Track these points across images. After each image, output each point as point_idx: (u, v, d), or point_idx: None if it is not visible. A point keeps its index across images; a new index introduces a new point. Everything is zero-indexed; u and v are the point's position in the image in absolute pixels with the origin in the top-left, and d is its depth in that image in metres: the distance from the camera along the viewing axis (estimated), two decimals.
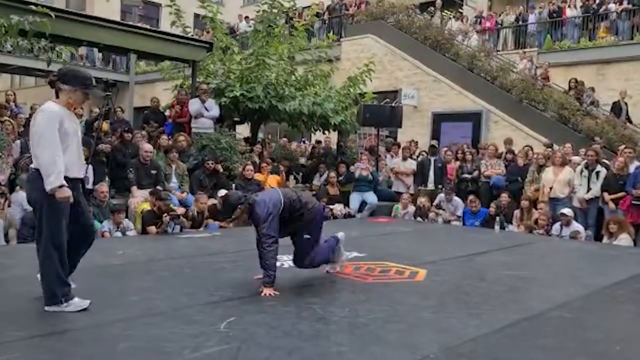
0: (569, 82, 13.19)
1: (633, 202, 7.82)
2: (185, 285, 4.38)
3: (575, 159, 9.11)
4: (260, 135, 12.18)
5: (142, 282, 4.46)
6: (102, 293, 4.04)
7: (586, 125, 11.75)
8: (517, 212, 8.76)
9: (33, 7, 6.32)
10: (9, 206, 6.46)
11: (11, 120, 8.10)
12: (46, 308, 3.49)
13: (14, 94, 10.55)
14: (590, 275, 5.45)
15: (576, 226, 7.97)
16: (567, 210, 8.01)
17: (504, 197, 8.90)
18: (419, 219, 9.47)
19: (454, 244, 7.11)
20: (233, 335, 3.20)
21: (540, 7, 15.88)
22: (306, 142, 14.13)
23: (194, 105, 9.46)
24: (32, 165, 3.57)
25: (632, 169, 8.20)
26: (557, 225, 8.09)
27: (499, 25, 16.23)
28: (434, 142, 11.86)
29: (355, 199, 10.03)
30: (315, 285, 4.56)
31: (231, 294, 4.10)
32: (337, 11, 18.58)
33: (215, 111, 9.54)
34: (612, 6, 14.30)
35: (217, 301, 3.91)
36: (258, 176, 9.32)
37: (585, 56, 13.93)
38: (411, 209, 9.71)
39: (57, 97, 3.67)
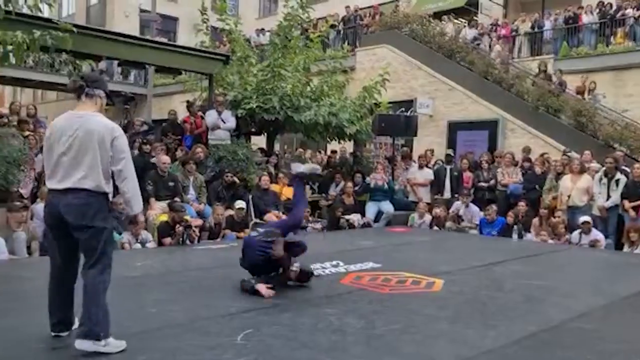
0: (582, 82, 13.04)
1: None
2: (202, 297, 4.42)
3: (594, 166, 9.01)
4: (277, 145, 12.27)
5: (160, 294, 4.51)
6: (121, 305, 4.10)
7: (605, 132, 11.60)
8: (535, 221, 8.68)
9: (56, 24, 6.47)
10: (31, 219, 6.59)
11: (33, 134, 8.28)
12: (78, 343, 3.04)
13: (35, 108, 10.78)
14: (610, 285, 5.38)
15: (596, 234, 7.86)
16: (586, 218, 7.92)
17: (522, 206, 8.83)
18: (435, 228, 9.43)
19: (471, 254, 7.05)
20: (250, 347, 3.22)
21: (556, 14, 15.77)
22: (321, 152, 14.16)
23: (210, 117, 9.57)
24: (77, 185, 3.09)
25: None
26: (576, 234, 8.00)
27: (514, 33, 16.14)
28: (450, 151, 11.81)
29: (371, 208, 10.03)
30: (332, 296, 4.56)
31: (248, 306, 4.13)
32: (352, 22, 18.67)
33: (231, 122, 9.63)
34: (629, 11, 14.15)
35: (234, 313, 3.94)
36: (274, 187, 9.38)
37: (603, 62, 13.78)
38: (427, 218, 9.68)
39: (80, 101, 3.32)
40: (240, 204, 8.31)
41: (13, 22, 6.23)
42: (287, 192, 9.40)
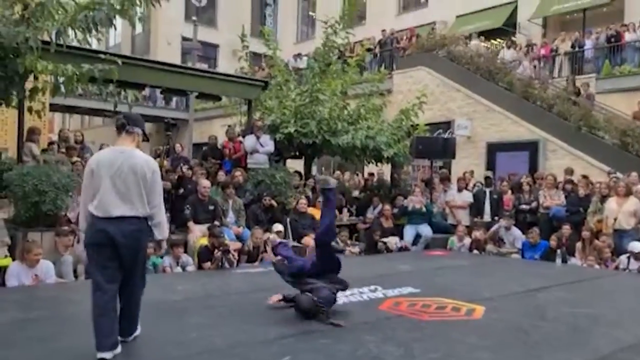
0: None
1: None
2: (241, 321, 4.46)
3: None
4: (314, 168, 12.35)
5: (200, 318, 4.58)
6: (162, 329, 4.19)
7: None
8: (579, 245, 8.42)
9: (102, 56, 6.78)
10: (77, 242, 6.82)
11: (80, 160, 8.62)
12: (131, 337, 3.78)
13: (82, 135, 11.22)
14: None
15: None
16: (636, 245, 7.62)
17: (566, 229, 8.58)
18: (475, 251, 9.26)
19: (512, 279, 6.88)
20: None
21: (597, 32, 15.47)
22: (359, 174, 14.18)
23: (249, 141, 9.75)
24: (129, 213, 3.55)
25: None
26: (624, 258, 7.72)
27: (554, 53, 15.90)
28: (489, 173, 11.65)
29: (409, 231, 9.94)
30: (371, 322, 4.53)
31: (286, 331, 4.15)
32: (388, 45, 18.78)
33: (270, 147, 9.79)
34: None
35: (272, 339, 3.96)
36: (312, 210, 9.43)
37: None
38: (467, 241, 9.52)
39: (121, 137, 3.78)
40: (278, 227, 8.40)
41: (64, 54, 6.57)
42: None
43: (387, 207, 10.05)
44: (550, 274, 7.34)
